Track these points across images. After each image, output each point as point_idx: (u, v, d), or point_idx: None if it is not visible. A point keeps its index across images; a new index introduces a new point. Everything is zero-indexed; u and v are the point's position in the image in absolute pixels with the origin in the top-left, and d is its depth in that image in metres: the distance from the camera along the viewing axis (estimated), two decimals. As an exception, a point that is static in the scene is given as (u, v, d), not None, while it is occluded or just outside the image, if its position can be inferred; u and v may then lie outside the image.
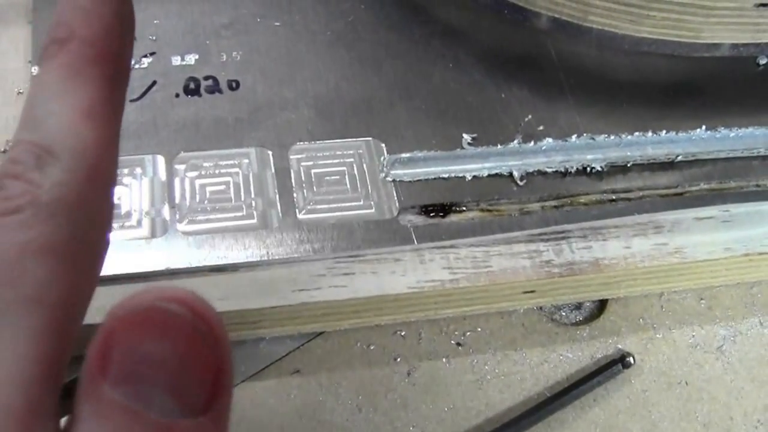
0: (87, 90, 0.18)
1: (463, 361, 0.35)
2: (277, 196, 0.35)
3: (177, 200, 0.34)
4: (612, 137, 0.38)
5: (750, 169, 0.39)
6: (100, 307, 0.17)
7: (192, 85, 0.38)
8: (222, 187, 0.35)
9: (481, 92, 0.40)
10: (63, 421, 0.15)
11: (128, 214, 0.34)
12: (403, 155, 0.37)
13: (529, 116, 0.39)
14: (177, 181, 0.35)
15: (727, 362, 0.36)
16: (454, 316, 0.35)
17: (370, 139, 0.37)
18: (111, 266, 0.31)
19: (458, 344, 0.35)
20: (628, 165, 0.38)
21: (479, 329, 0.36)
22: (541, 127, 0.38)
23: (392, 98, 0.39)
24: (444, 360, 0.35)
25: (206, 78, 0.39)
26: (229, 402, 0.16)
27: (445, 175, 0.36)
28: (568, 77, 0.41)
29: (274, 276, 0.33)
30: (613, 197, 0.37)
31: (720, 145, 0.39)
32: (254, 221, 0.34)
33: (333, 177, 0.36)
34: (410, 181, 0.36)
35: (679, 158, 0.38)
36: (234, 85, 0.39)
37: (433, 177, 0.36)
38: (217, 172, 0.35)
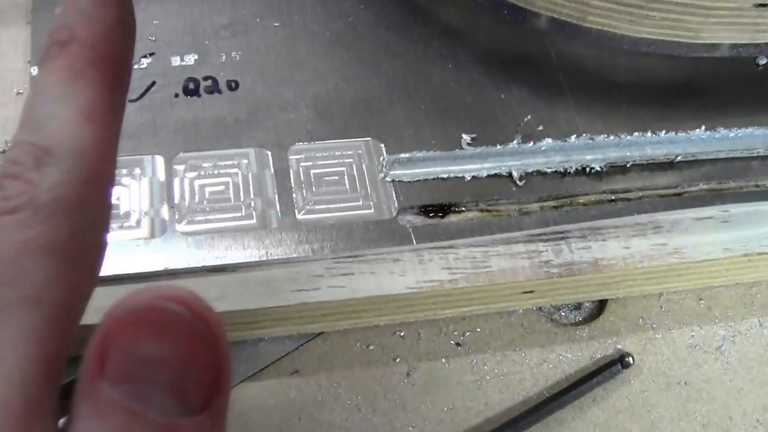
0: (87, 92, 0.18)
1: (462, 361, 0.35)
2: (276, 196, 0.35)
3: (176, 200, 0.34)
4: (611, 137, 0.38)
5: (749, 169, 0.39)
6: (99, 307, 0.17)
7: (191, 86, 0.38)
8: (221, 187, 0.35)
9: (480, 92, 0.40)
10: (61, 421, 0.15)
11: (127, 215, 0.34)
12: (402, 155, 0.37)
13: (529, 116, 0.39)
14: (176, 182, 0.35)
15: (726, 362, 0.36)
16: (454, 316, 0.35)
17: (370, 139, 0.37)
18: (110, 266, 0.31)
19: (457, 344, 0.35)
20: (628, 165, 0.38)
21: (478, 329, 0.36)
22: (540, 128, 0.38)
23: (391, 98, 0.39)
24: (443, 360, 0.35)
25: (205, 78, 0.39)
26: (227, 401, 0.16)
27: (445, 176, 0.36)
28: (567, 77, 0.41)
29: (273, 276, 0.33)
30: (613, 197, 0.37)
31: (719, 145, 0.39)
32: (253, 221, 0.34)
33: (332, 177, 0.36)
34: (409, 182, 0.36)
35: (679, 158, 0.38)
36: (233, 85, 0.39)
37: (432, 177, 0.36)
38: (216, 172, 0.35)
